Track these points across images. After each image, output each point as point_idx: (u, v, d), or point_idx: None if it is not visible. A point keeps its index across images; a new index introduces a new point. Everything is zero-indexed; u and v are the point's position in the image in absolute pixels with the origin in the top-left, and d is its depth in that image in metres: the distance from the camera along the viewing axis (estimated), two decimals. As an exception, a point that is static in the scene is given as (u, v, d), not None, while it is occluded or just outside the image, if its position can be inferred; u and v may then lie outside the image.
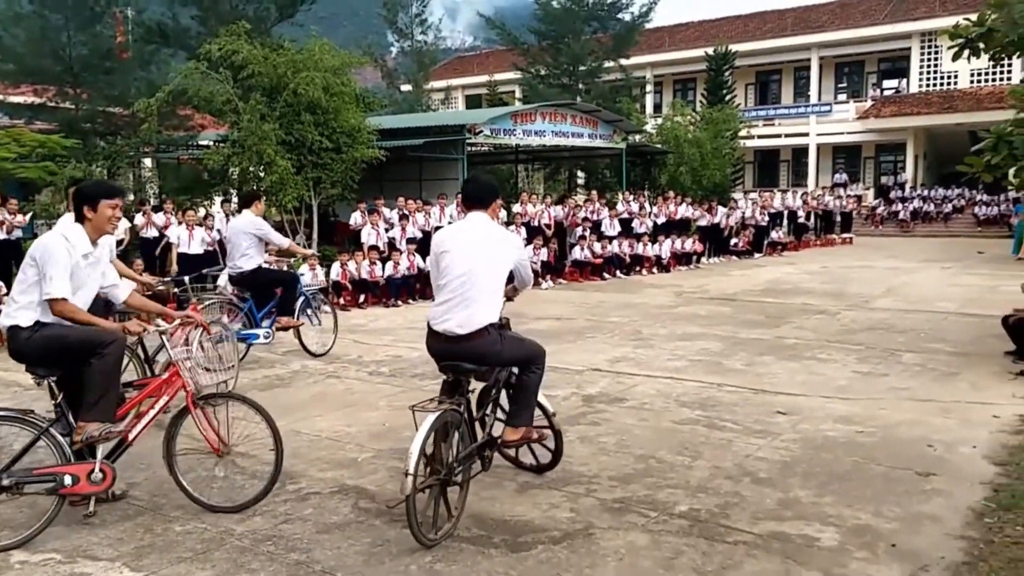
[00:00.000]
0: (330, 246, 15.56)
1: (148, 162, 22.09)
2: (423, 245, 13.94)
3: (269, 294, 8.10)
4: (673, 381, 7.18)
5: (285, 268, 8.85)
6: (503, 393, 4.43)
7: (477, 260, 4.12)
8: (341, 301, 12.82)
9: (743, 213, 21.51)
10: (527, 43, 32.32)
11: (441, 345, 4.16)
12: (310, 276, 12.23)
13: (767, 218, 21.75)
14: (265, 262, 8.38)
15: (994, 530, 3.91)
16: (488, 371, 4.26)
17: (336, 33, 28.96)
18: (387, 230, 14.26)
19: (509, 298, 4.48)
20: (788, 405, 6.30)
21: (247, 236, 7.94)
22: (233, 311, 7.92)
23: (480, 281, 4.09)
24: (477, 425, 4.33)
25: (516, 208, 16.96)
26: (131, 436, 4.18)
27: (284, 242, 8.51)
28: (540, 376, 4.35)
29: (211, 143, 16.18)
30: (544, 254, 15.57)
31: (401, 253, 13.34)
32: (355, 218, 15.20)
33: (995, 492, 4.39)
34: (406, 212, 14.57)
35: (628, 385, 7.06)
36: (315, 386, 7.28)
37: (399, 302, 12.94)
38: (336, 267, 12.90)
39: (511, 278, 4.38)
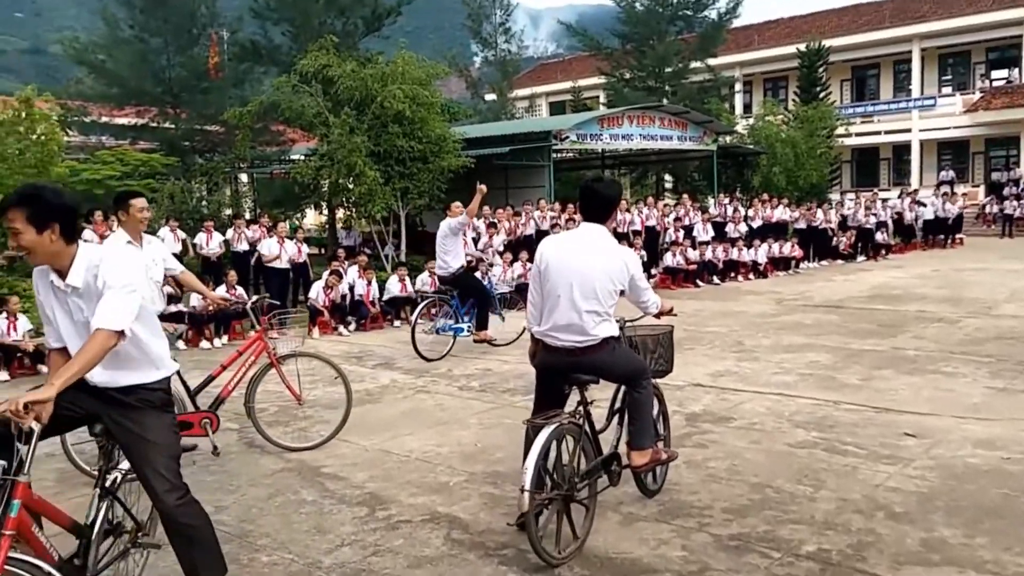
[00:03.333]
0: (418, 255, 15.53)
1: (244, 177, 22.78)
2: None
3: (467, 295, 9.32)
4: (783, 398, 6.66)
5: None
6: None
7: (583, 273, 3.85)
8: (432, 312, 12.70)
9: (844, 214, 20.46)
10: (610, 47, 31.80)
11: (558, 359, 3.94)
12: (396, 285, 12.19)
13: (873, 220, 20.53)
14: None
15: None
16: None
17: (422, 45, 29.27)
18: (475, 239, 14.08)
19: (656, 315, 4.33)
20: (916, 426, 5.71)
21: (449, 237, 9.07)
22: (442, 307, 9.43)
23: (588, 295, 3.83)
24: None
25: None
26: None
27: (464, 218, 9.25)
28: (651, 392, 4.12)
29: (302, 157, 16.45)
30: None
31: (487, 263, 13.12)
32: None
33: None
34: (493, 220, 14.37)
35: (734, 402, 6.58)
36: (405, 402, 7.09)
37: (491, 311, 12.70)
38: (424, 276, 12.75)
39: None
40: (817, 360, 8.15)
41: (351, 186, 14.73)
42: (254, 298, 6.24)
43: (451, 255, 9.06)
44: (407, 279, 12.27)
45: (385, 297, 12.09)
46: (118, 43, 19.79)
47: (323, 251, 16.67)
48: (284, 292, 11.80)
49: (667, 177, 30.56)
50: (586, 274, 3.85)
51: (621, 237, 15.86)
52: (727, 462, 5.07)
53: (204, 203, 18.12)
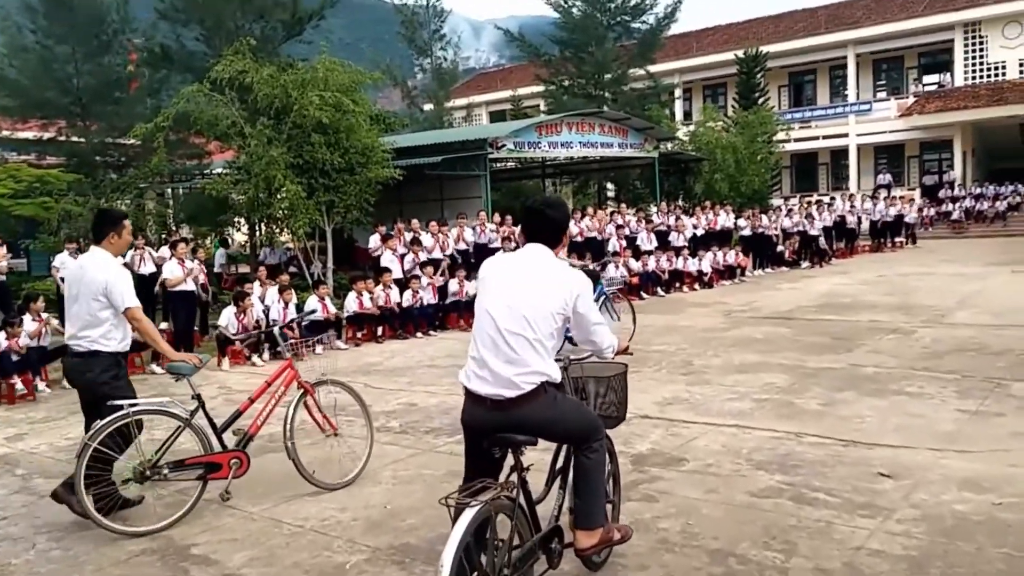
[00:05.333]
0: (350, 272, 14.55)
1: (170, 192, 21.43)
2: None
3: None
4: (739, 430, 5.93)
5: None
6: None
7: (514, 290, 3.13)
8: (358, 335, 11.75)
9: (788, 220, 20.14)
10: (549, 54, 31.27)
11: (482, 414, 3.11)
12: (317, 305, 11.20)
13: (822, 226, 20.24)
14: None
15: None
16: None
17: (360, 58, 28.17)
18: (402, 256, 13.21)
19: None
20: (890, 463, 5.03)
21: None
22: None
23: (522, 329, 3.07)
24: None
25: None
26: None
27: None
28: (604, 455, 3.34)
29: (224, 170, 15.35)
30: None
31: (419, 280, 12.23)
32: (374, 240, 14.21)
33: None
34: (417, 235, 13.52)
35: (686, 438, 5.83)
36: (311, 449, 6.11)
37: (419, 333, 11.82)
38: (352, 296, 11.81)
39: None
40: (772, 382, 7.48)
41: (271, 201, 13.69)
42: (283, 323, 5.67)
43: None
44: (328, 299, 11.31)
45: (305, 321, 11.08)
46: (18, 51, 18.32)
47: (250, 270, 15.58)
48: (192, 318, 10.69)
49: (609, 186, 30.10)
50: (518, 291, 3.13)
51: (574, 249, 15.11)
52: (680, 520, 4.29)
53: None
